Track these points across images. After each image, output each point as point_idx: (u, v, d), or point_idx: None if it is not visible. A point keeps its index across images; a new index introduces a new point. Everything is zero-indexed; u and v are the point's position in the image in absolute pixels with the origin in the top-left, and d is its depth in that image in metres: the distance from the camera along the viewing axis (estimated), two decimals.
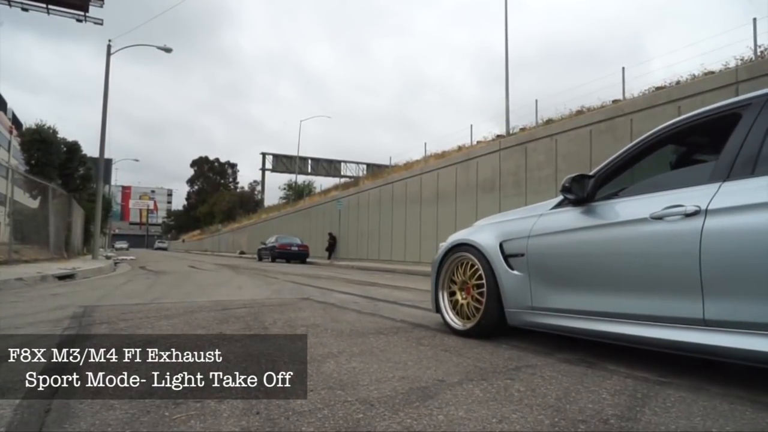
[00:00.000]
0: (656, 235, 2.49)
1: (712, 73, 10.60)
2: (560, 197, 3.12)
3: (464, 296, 3.60)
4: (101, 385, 2.17)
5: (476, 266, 3.47)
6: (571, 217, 3.01)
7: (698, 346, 2.26)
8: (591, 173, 3.01)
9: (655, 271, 2.49)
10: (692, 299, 2.27)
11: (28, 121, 32.82)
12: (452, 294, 3.73)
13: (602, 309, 2.71)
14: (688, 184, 2.48)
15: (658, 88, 11.93)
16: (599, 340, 2.81)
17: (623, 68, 13.37)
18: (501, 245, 3.35)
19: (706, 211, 2.25)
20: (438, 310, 3.80)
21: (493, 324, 3.33)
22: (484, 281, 3.37)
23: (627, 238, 2.66)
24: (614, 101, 13.02)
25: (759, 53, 10.32)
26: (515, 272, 3.22)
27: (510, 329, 3.32)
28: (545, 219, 3.19)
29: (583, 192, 2.95)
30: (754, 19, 10.42)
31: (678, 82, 11.51)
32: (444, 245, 3.92)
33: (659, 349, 2.52)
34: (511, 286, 3.22)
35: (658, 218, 2.47)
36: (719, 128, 2.54)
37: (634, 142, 3.03)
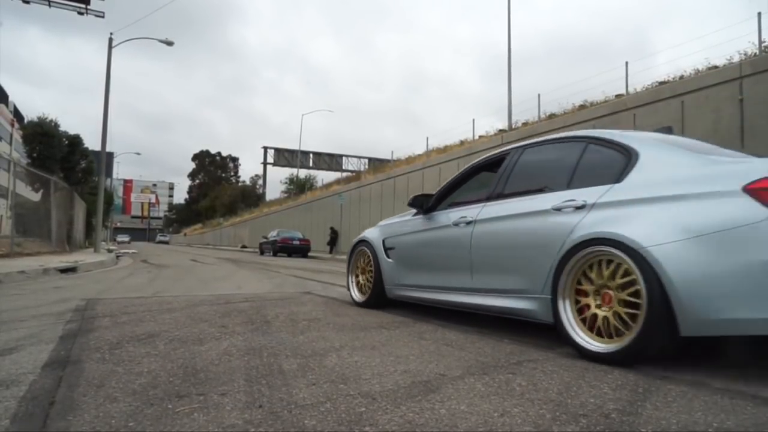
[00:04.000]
0: (453, 235, 3.81)
1: (716, 67, 10.54)
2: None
3: (363, 278, 4.92)
4: (105, 377, 2.18)
5: (369, 256, 4.79)
6: (418, 222, 4.36)
7: (471, 305, 3.65)
8: (433, 193, 4.34)
9: (452, 258, 3.81)
10: (468, 275, 3.63)
11: (31, 114, 32.85)
12: (357, 276, 5.04)
13: (430, 284, 4.07)
14: (471, 203, 3.82)
15: (661, 83, 11.88)
16: (429, 305, 4.21)
17: (626, 63, 13.29)
18: (383, 241, 4.68)
19: (475, 221, 3.61)
20: (349, 288, 5.09)
21: (379, 297, 4.63)
22: (373, 267, 4.69)
23: (441, 236, 3.98)
24: (617, 96, 12.97)
25: (763, 48, 10.26)
26: (390, 260, 4.55)
27: (392, 302, 4.59)
28: (406, 223, 4.56)
29: (424, 206, 4.29)
30: (759, 14, 10.34)
31: (681, 77, 11.45)
32: (354, 240, 5.23)
33: (456, 308, 3.90)
34: (387, 270, 4.54)
35: (455, 224, 3.80)
36: (494, 167, 3.90)
37: (457, 173, 4.25)
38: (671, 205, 2.56)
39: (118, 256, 16.31)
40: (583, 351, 2.73)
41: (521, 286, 3.19)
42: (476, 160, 4.17)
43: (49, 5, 18.09)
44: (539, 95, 15.99)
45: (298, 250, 24.00)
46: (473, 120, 20.57)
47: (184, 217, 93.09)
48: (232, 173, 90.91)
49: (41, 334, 3.17)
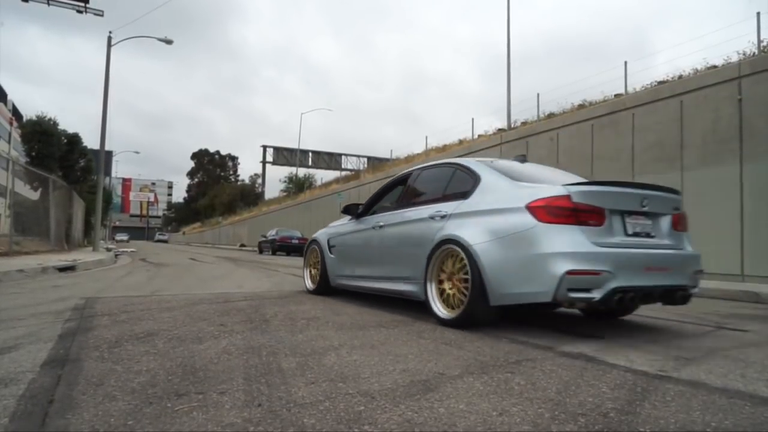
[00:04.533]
0: (371, 236, 4.94)
1: (715, 67, 10.55)
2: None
3: (314, 271, 5.95)
4: (104, 376, 2.18)
5: (318, 253, 5.87)
6: (351, 225, 5.43)
7: (383, 290, 4.70)
8: (362, 202, 5.53)
9: (370, 254, 4.94)
10: (380, 267, 4.75)
11: (30, 113, 32.77)
12: (309, 269, 6.09)
13: (358, 274, 5.12)
14: (384, 212, 4.99)
15: (660, 83, 11.88)
16: (357, 291, 5.25)
17: (625, 62, 13.27)
18: (328, 240, 5.74)
19: (384, 225, 4.76)
20: (304, 279, 6.16)
21: (325, 286, 5.64)
22: (320, 261, 5.77)
23: (365, 237, 5.08)
24: (616, 95, 12.97)
25: (762, 48, 10.27)
26: (332, 256, 5.60)
27: (337, 291, 5.63)
28: (344, 226, 5.59)
29: (354, 213, 5.45)
30: (758, 14, 10.34)
31: (680, 77, 11.46)
32: (309, 240, 6.36)
33: (373, 293, 4.98)
34: (330, 264, 5.58)
35: (373, 227, 4.92)
36: (403, 182, 5.04)
37: (379, 188, 5.43)
38: (487, 216, 3.62)
39: (116, 255, 16.29)
40: (439, 319, 3.76)
41: (409, 274, 4.24)
42: (393, 177, 5.42)
43: (48, 4, 18.03)
44: (538, 95, 15.98)
45: (297, 248, 23.95)
46: (472, 119, 20.54)
47: (183, 215, 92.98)
48: (231, 172, 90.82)
49: (40, 332, 3.17)
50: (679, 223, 3.80)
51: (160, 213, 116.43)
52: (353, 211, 5.50)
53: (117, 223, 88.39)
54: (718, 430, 1.68)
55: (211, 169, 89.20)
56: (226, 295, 5.50)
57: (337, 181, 34.44)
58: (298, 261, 16.68)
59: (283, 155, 49.74)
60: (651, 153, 10.18)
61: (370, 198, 5.41)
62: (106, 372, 2.24)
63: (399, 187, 5.13)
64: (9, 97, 53.20)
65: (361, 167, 44.34)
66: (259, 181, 60.88)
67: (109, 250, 19.97)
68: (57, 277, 7.66)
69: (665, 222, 3.73)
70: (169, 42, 19.51)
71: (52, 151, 20.30)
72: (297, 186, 44.24)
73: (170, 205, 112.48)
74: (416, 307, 4.57)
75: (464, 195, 3.97)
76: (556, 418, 1.74)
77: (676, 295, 3.53)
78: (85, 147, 24.49)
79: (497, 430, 1.63)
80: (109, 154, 34.26)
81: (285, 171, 52.24)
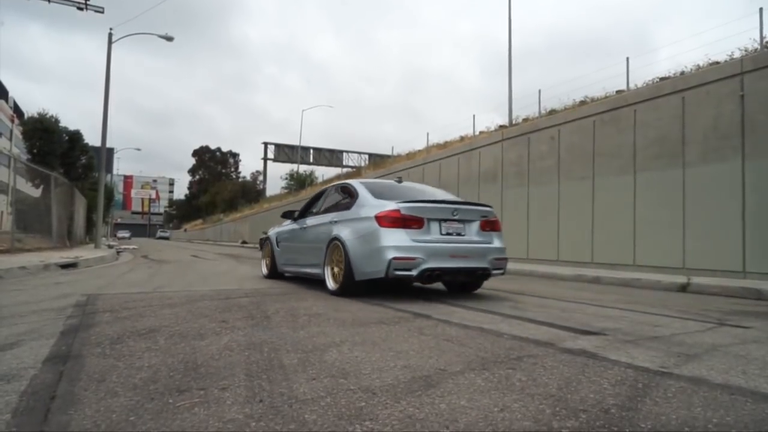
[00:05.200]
0: (300, 234, 6.68)
1: (717, 63, 10.51)
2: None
3: (268, 261, 7.82)
4: (105, 372, 2.18)
5: (269, 247, 7.74)
6: (290, 226, 7.15)
7: (306, 273, 6.40)
8: (297, 209, 7.36)
9: (299, 247, 6.69)
10: (304, 256, 6.45)
11: (31, 110, 32.76)
12: (265, 261, 7.98)
13: (293, 263, 6.89)
14: (308, 217, 6.70)
15: (662, 79, 11.83)
16: (294, 275, 7.05)
17: (627, 58, 13.22)
18: (276, 237, 7.57)
19: (306, 226, 6.53)
20: (261, 267, 8.13)
21: (275, 272, 7.54)
22: (271, 253, 7.66)
23: (296, 235, 6.81)
24: (618, 92, 12.93)
25: (764, 44, 10.22)
26: (279, 249, 7.43)
27: (284, 276, 7.50)
28: (286, 226, 7.35)
29: (291, 217, 7.23)
30: (760, 9, 10.29)
31: (682, 73, 11.42)
32: (262, 236, 8.54)
33: (302, 276, 6.76)
34: (278, 255, 7.43)
35: (301, 228, 6.67)
36: (320, 196, 6.85)
37: (308, 199, 7.20)
38: (356, 222, 5.38)
39: (118, 252, 16.31)
40: (330, 291, 5.48)
41: (317, 262, 5.94)
42: (318, 190, 7.45)
43: (49, 1, 18.02)
44: (539, 91, 15.95)
45: None
46: (473, 116, 20.52)
47: (184, 212, 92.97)
48: (233, 169, 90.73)
49: (42, 329, 3.17)
50: (486, 226, 5.51)
51: (162, 210, 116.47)
52: (290, 215, 7.36)
53: (119, 221, 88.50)
54: (719, 426, 1.68)
55: (213, 166, 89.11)
56: (227, 291, 5.51)
57: (338, 177, 34.37)
58: None
59: (285, 152, 49.67)
60: (652, 149, 10.15)
61: (303, 206, 7.18)
62: (107, 368, 2.24)
63: (319, 199, 6.89)
64: (10, 95, 53.18)
65: (363, 164, 44.30)
66: (261, 178, 60.73)
67: (110, 247, 19.99)
68: (59, 274, 7.67)
69: (474, 225, 5.43)
70: (169, 39, 19.48)
71: (53, 148, 20.33)
72: (298, 183, 44.19)
73: (172, 202, 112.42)
74: (417, 306, 4.58)
75: (347, 207, 5.79)
76: (558, 414, 1.74)
77: (476, 274, 5.41)
78: (87, 144, 24.52)
79: (498, 426, 1.63)
80: (111, 151, 34.25)
81: (286, 168, 52.23)
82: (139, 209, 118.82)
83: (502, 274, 5.55)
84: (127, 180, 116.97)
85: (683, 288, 7.14)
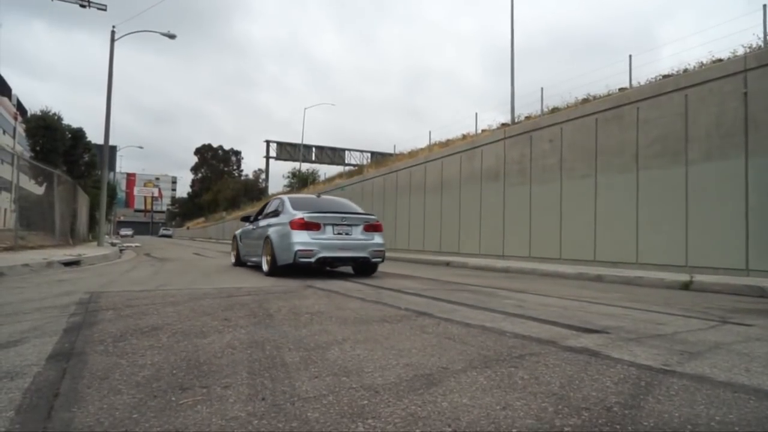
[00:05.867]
0: (253, 233, 9.26)
1: (720, 61, 10.46)
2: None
3: (234, 253, 10.53)
4: (108, 369, 2.19)
5: (235, 243, 10.43)
6: (249, 227, 9.75)
7: (255, 262, 9.06)
8: (254, 214, 9.94)
9: (253, 243, 9.11)
10: (254, 249, 9.02)
11: (34, 107, 32.80)
12: (233, 253, 10.63)
13: (250, 255, 9.38)
14: (260, 219, 9.21)
15: (665, 76, 11.79)
16: (252, 264, 9.49)
17: (630, 56, 13.16)
18: (240, 235, 10.26)
19: (254, 228, 9.33)
20: (231, 258, 10.81)
21: (239, 262, 10.12)
22: (236, 248, 10.37)
23: (252, 234, 9.36)
24: (621, 89, 12.88)
25: (767, 41, 10.17)
26: (242, 244, 10.07)
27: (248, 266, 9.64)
28: (246, 227, 9.94)
29: (248, 220, 9.95)
30: (764, 6, 10.23)
31: (685, 70, 11.37)
32: (233, 234, 11.02)
33: (253, 264, 9.32)
34: (241, 249, 10.06)
35: (254, 228, 9.27)
36: (265, 205, 9.62)
37: (261, 207, 10.13)
38: (279, 226, 7.92)
39: (121, 250, 16.34)
40: (264, 273, 7.93)
41: (260, 253, 8.32)
42: (266, 202, 9.63)
43: None
44: (542, 89, 15.88)
45: None
46: (476, 114, 20.54)
47: (186, 210, 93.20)
48: (235, 167, 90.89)
49: (45, 326, 3.18)
50: (369, 228, 8.00)
51: (164, 208, 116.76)
52: (248, 219, 10.03)
53: (121, 218, 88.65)
54: (722, 424, 1.67)
55: (215, 164, 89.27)
56: (229, 289, 5.52)
57: (340, 176, 34.35)
58: None
59: (287, 150, 49.69)
60: (655, 147, 10.12)
61: (258, 211, 9.66)
62: (110, 366, 2.25)
63: (266, 207, 9.35)
64: (13, 92, 53.28)
65: (365, 162, 44.28)
66: (263, 176, 60.84)
67: (113, 244, 20.04)
68: (62, 272, 7.69)
69: (359, 228, 7.92)
70: (172, 37, 19.49)
71: (56, 145, 20.35)
72: (300, 181, 44.21)
73: (174, 200, 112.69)
74: (419, 305, 4.57)
75: (277, 214, 8.40)
76: (560, 412, 1.74)
77: (358, 261, 7.94)
78: (89, 142, 24.54)
79: (501, 425, 1.63)
80: (113, 148, 34.31)
81: (288, 166, 52.24)
82: (142, 207, 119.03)
83: (381, 261, 8.13)
84: (130, 178, 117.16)
85: (686, 286, 7.13)
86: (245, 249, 9.73)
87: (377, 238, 8.01)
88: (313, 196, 9.67)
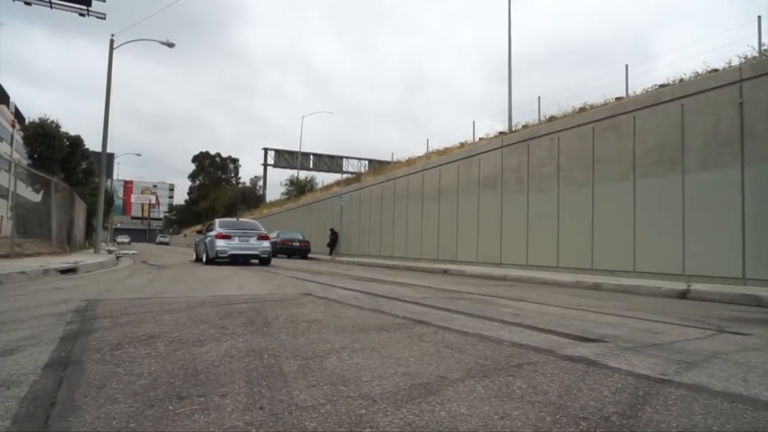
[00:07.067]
0: (203, 241, 15.85)
1: (716, 71, 10.55)
2: (211, 231, 15.40)
3: (194, 254, 17.91)
4: (105, 378, 2.18)
5: (195, 246, 18.30)
6: (201, 237, 16.66)
7: (202, 258, 15.98)
8: (205, 229, 17.40)
9: (201, 246, 16.04)
10: (202, 250, 15.76)
11: (32, 115, 32.80)
12: (194, 254, 17.94)
13: (201, 254, 15.91)
14: (207, 232, 15.92)
15: (661, 86, 11.87)
16: (220, 261, 14.67)
17: (626, 66, 13.26)
18: (197, 242, 17.46)
19: (202, 238, 16.30)
20: (194, 255, 17.85)
21: (197, 259, 16.63)
22: (201, 249, 16.34)
23: (202, 241, 16.12)
24: (617, 98, 12.96)
25: (763, 51, 10.27)
26: (201, 247, 16.04)
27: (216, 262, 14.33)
28: (199, 238, 17.04)
29: (203, 232, 16.94)
30: (759, 17, 10.34)
31: (682, 80, 11.46)
32: (195, 240, 20.11)
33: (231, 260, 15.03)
34: (198, 251, 16.79)
35: (204, 238, 15.67)
36: (211, 223, 16.50)
37: (208, 225, 16.83)
38: (210, 238, 14.64)
39: (118, 257, 16.31)
40: (203, 262, 14.93)
41: (203, 252, 15.41)
42: (214, 221, 16.37)
43: (51, 7, 18.08)
44: (539, 98, 15.98)
45: (298, 251, 23.99)
46: (473, 122, 20.59)
47: (184, 217, 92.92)
48: (233, 174, 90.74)
49: (42, 334, 3.17)
50: (260, 238, 14.86)
51: (162, 215, 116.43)
52: (201, 232, 16.74)
53: (118, 225, 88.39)
54: None
55: (213, 171, 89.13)
56: (227, 297, 5.51)
57: (338, 183, 34.37)
58: (300, 264, 16.77)
59: (285, 158, 49.72)
60: (652, 156, 10.18)
61: (207, 226, 16.50)
62: (107, 374, 2.24)
63: (210, 225, 15.60)
64: (11, 99, 53.24)
65: (363, 170, 44.32)
66: (260, 183, 60.74)
67: (110, 252, 19.97)
68: (59, 279, 7.66)
69: (254, 237, 14.76)
70: (170, 45, 19.57)
71: (54, 153, 20.32)
72: (298, 188, 44.20)
73: (171, 208, 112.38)
74: (417, 313, 4.58)
75: (211, 229, 15.01)
76: (558, 422, 1.74)
77: (254, 257, 14.71)
78: (87, 149, 24.51)
79: None
80: (111, 156, 34.23)
81: (286, 174, 52.40)
82: (139, 214, 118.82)
83: (267, 257, 14.76)
84: (127, 185, 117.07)
85: (683, 294, 7.14)
86: (198, 250, 16.32)
87: (265, 244, 14.79)
88: (234, 219, 17.79)
